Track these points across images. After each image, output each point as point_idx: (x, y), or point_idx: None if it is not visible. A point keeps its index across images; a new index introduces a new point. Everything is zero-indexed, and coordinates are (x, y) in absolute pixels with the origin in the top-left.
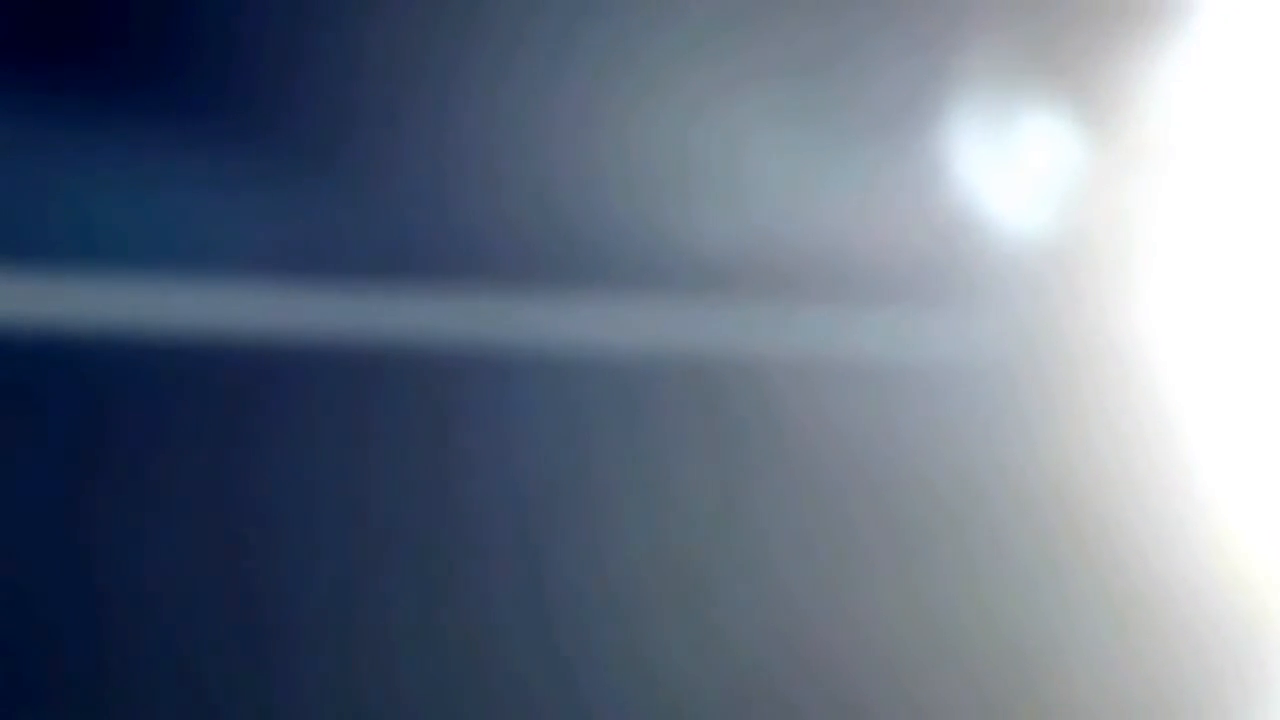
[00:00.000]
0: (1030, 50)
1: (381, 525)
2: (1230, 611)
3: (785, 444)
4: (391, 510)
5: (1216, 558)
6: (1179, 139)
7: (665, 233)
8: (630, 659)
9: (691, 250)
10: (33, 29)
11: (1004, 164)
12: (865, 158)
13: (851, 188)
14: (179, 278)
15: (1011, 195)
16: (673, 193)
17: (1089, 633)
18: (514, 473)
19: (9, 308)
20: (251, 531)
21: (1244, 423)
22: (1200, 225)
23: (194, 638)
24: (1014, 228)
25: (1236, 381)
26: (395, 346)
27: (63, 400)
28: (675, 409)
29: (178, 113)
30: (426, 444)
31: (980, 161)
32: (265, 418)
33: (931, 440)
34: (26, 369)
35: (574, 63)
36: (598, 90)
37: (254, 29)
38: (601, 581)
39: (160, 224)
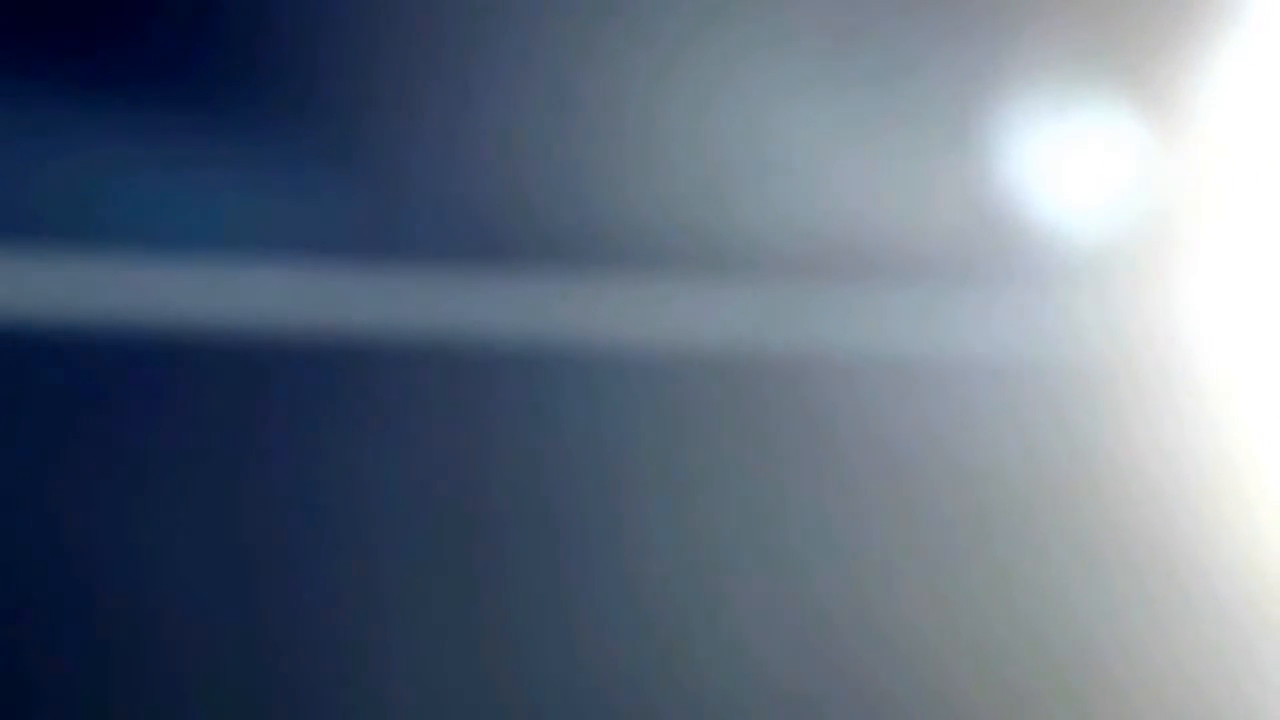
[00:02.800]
0: (1090, 40)
1: (411, 518)
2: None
3: (831, 437)
4: (420, 502)
5: (1263, 556)
6: (1239, 132)
7: (721, 224)
8: (673, 652)
9: (742, 240)
10: (64, 20)
11: (1061, 156)
12: (920, 148)
13: (906, 179)
14: (206, 265)
15: (1068, 187)
16: (732, 184)
17: (1131, 630)
18: (545, 463)
19: (35, 295)
20: (271, 527)
21: None
22: (1259, 220)
23: (219, 635)
24: (1069, 221)
25: None
26: (424, 336)
27: (96, 388)
28: (723, 399)
29: (207, 101)
30: (458, 435)
31: (1036, 153)
32: (294, 406)
33: (976, 434)
34: (53, 358)
35: (614, 51)
36: (638, 78)
37: (280, 17)
38: (635, 571)
39: (188, 211)
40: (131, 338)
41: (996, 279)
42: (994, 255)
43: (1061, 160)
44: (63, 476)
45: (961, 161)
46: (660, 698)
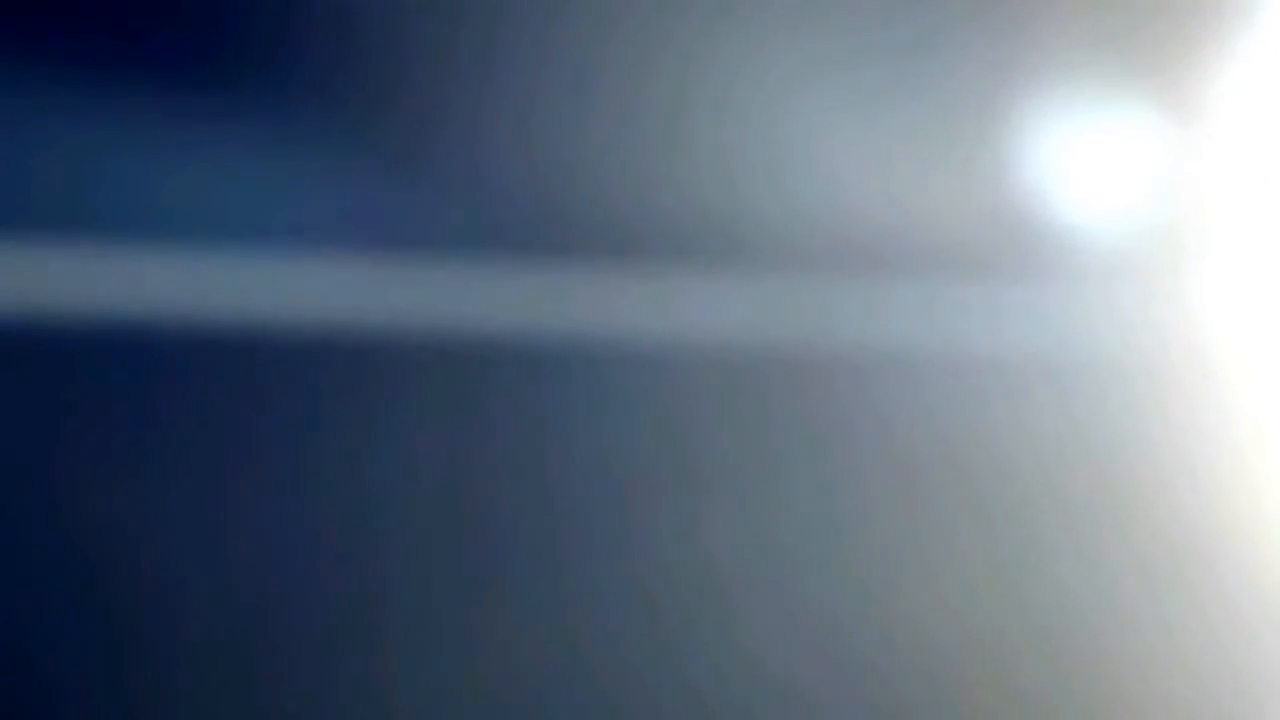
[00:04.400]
0: (1114, 35)
1: (424, 517)
2: None
3: (847, 434)
4: (437, 500)
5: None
6: (1264, 128)
7: (739, 218)
8: (687, 652)
9: (762, 235)
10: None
11: (1083, 151)
12: (941, 142)
13: (927, 173)
14: (239, 256)
15: (1091, 183)
16: (757, 177)
17: (1148, 630)
18: (554, 460)
19: (86, 286)
20: (309, 522)
21: None
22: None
23: (211, 633)
24: (1092, 217)
25: None
26: (445, 330)
27: (141, 381)
28: (748, 396)
29: (233, 92)
30: (495, 430)
31: (1059, 148)
32: (334, 399)
33: (998, 432)
34: (99, 348)
35: (651, 45)
36: (671, 72)
37: (319, 8)
38: (649, 567)
39: (223, 201)
40: (161, 331)
41: (1017, 275)
42: (1015, 251)
43: (1084, 156)
44: (89, 472)
45: (983, 157)
46: (670, 698)
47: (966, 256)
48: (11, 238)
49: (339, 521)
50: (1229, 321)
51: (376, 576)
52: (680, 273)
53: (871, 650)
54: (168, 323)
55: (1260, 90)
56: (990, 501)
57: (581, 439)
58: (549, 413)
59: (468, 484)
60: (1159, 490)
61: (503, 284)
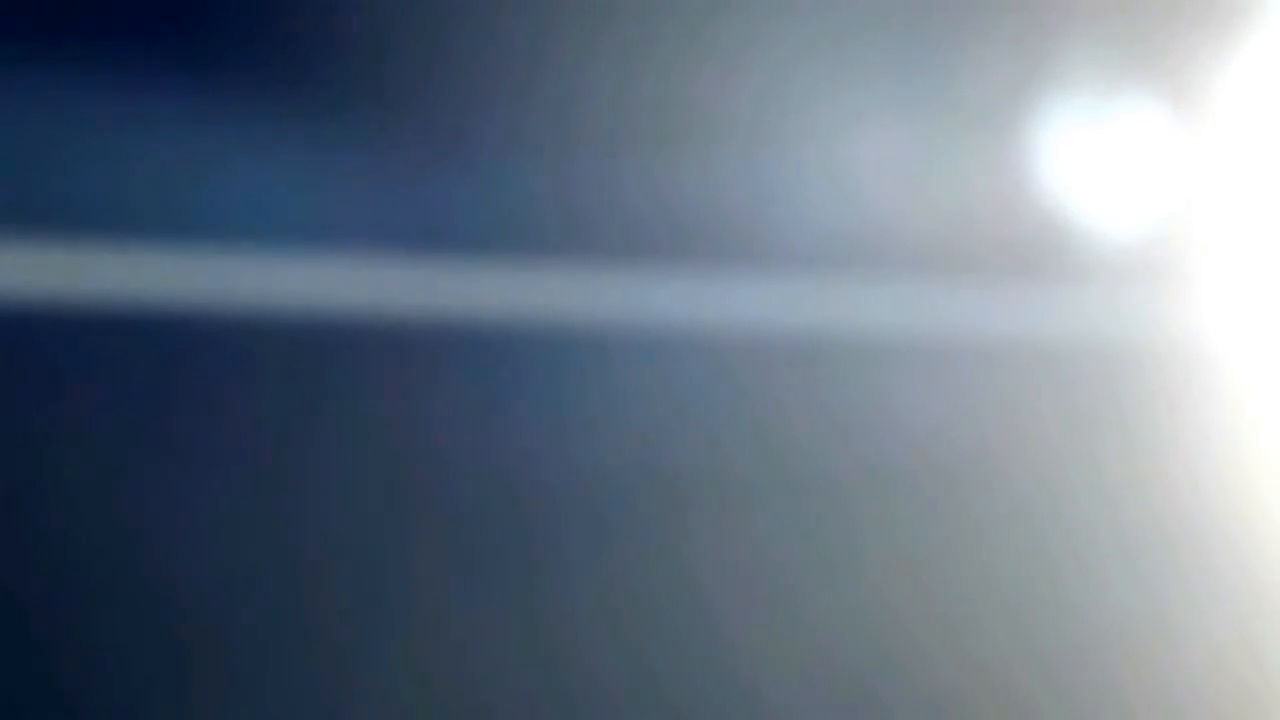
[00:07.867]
0: (1128, 35)
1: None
2: None
3: (867, 426)
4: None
5: None
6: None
7: (781, 214)
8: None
9: (802, 230)
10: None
11: (1098, 149)
12: (956, 141)
13: (958, 171)
14: (306, 254)
15: (1105, 181)
16: (783, 174)
17: (1168, 623)
18: (567, 454)
19: (156, 284)
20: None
21: None
22: None
23: (238, 632)
24: (1106, 214)
25: None
26: (495, 323)
27: (210, 377)
28: (772, 389)
29: (313, 97)
30: (554, 422)
31: (1074, 146)
32: (408, 395)
33: (1014, 425)
34: (175, 345)
35: (691, 49)
36: (714, 73)
37: (386, 10)
38: (672, 566)
39: (293, 202)
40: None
41: (1030, 270)
42: (1028, 247)
43: (1098, 153)
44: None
45: (996, 155)
46: (685, 699)
47: (982, 254)
48: (21, 234)
49: (355, 516)
50: (1250, 318)
51: (390, 571)
52: (705, 269)
53: (907, 647)
54: (181, 316)
55: (1272, 91)
56: (1008, 494)
57: (601, 433)
58: (567, 407)
59: (487, 476)
60: (1179, 482)
61: (518, 279)
